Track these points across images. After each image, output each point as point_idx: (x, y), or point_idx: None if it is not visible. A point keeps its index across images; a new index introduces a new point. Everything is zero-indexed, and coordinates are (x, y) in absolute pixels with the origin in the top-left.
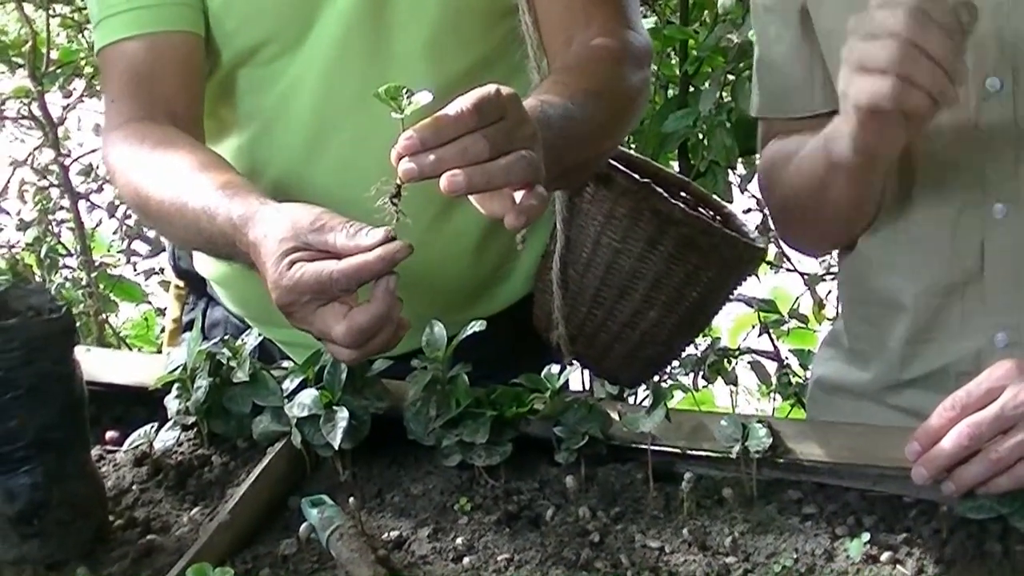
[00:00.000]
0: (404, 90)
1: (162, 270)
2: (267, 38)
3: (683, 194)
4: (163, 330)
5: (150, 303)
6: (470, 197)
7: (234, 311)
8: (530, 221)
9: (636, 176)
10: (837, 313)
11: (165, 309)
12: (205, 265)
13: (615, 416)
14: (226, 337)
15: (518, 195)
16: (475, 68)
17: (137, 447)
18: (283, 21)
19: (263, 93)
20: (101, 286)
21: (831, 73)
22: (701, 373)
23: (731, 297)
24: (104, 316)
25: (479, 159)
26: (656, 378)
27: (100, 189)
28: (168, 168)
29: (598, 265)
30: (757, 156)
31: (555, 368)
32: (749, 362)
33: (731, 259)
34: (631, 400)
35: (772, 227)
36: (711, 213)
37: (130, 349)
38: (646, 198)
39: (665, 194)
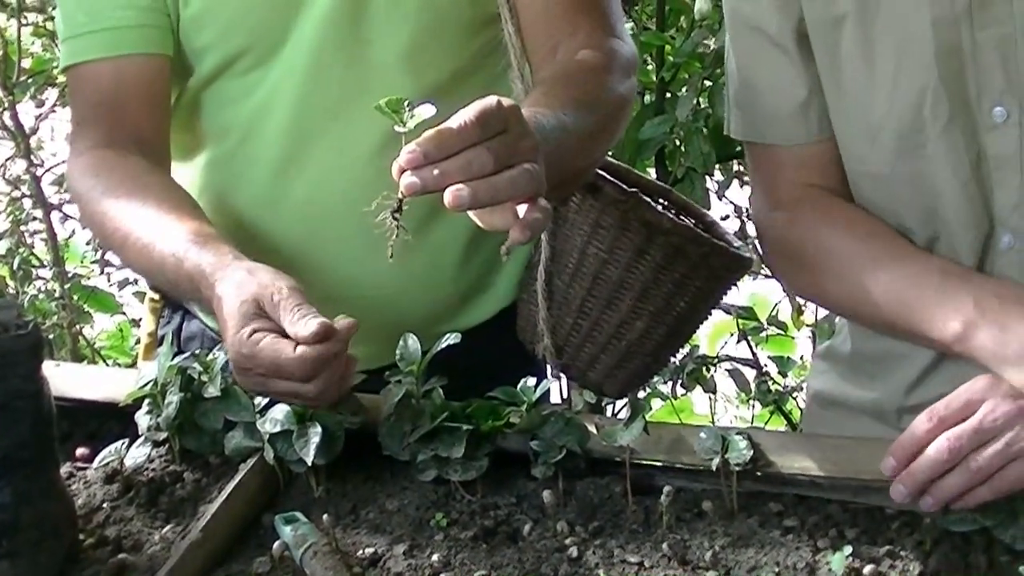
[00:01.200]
0: (406, 103)
1: (136, 280)
2: (244, 48)
3: (664, 202)
4: (138, 341)
5: (124, 314)
6: (470, 212)
7: (210, 324)
8: (535, 235)
9: (623, 185)
10: (817, 320)
11: (140, 320)
12: None
13: (593, 429)
14: (198, 352)
15: (520, 208)
16: (456, 77)
17: (108, 464)
18: (259, 31)
19: (239, 105)
20: (75, 297)
21: (828, 97)
22: (680, 381)
23: (717, 305)
24: (78, 328)
25: (483, 172)
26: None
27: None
28: (138, 205)
29: (584, 275)
30: (735, 163)
31: (531, 381)
32: (728, 370)
33: (719, 269)
34: (608, 411)
35: (755, 240)
36: (693, 222)
37: (104, 361)
38: (634, 208)
39: (652, 203)
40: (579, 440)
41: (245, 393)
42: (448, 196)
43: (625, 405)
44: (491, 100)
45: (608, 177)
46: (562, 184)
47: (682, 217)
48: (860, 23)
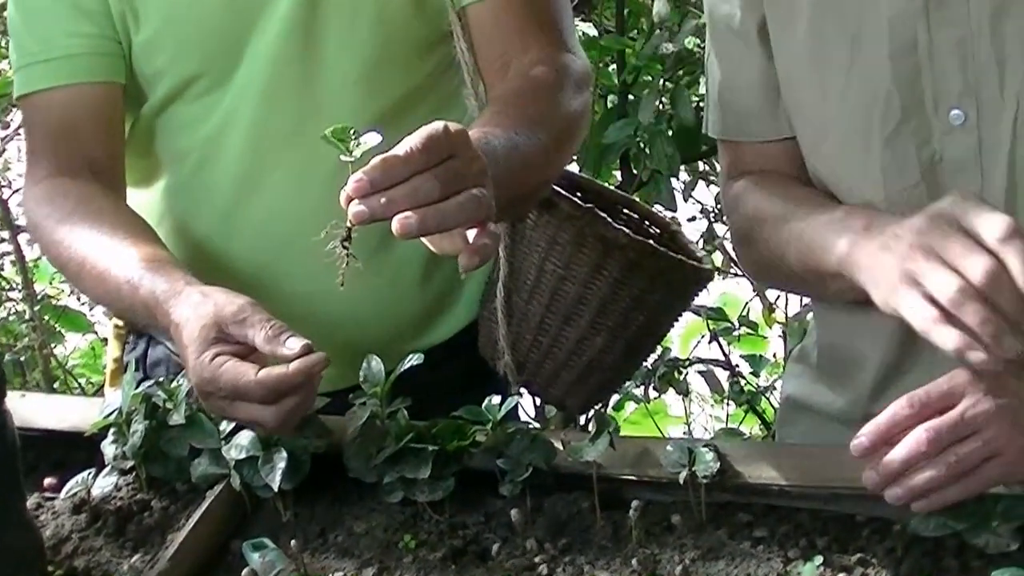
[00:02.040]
0: (352, 131)
1: None
2: (197, 73)
3: (628, 212)
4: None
5: (96, 332)
6: (422, 237)
7: (176, 350)
8: (484, 261)
9: (579, 201)
10: (788, 319)
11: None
12: None
13: (559, 445)
14: (161, 379)
15: (470, 233)
16: (411, 96)
17: (75, 494)
18: (212, 56)
19: (194, 130)
20: (46, 318)
21: (783, 94)
22: (652, 384)
23: (679, 317)
24: (49, 349)
25: (430, 199)
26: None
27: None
28: (91, 232)
29: (543, 292)
30: (700, 164)
31: (496, 399)
32: (700, 371)
33: (677, 282)
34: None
35: (723, 241)
36: (657, 231)
37: (76, 380)
38: (590, 223)
39: (608, 219)
40: (546, 457)
41: (210, 419)
42: (396, 224)
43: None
44: (438, 126)
45: (563, 193)
46: (516, 203)
47: (647, 225)
48: (814, 20)
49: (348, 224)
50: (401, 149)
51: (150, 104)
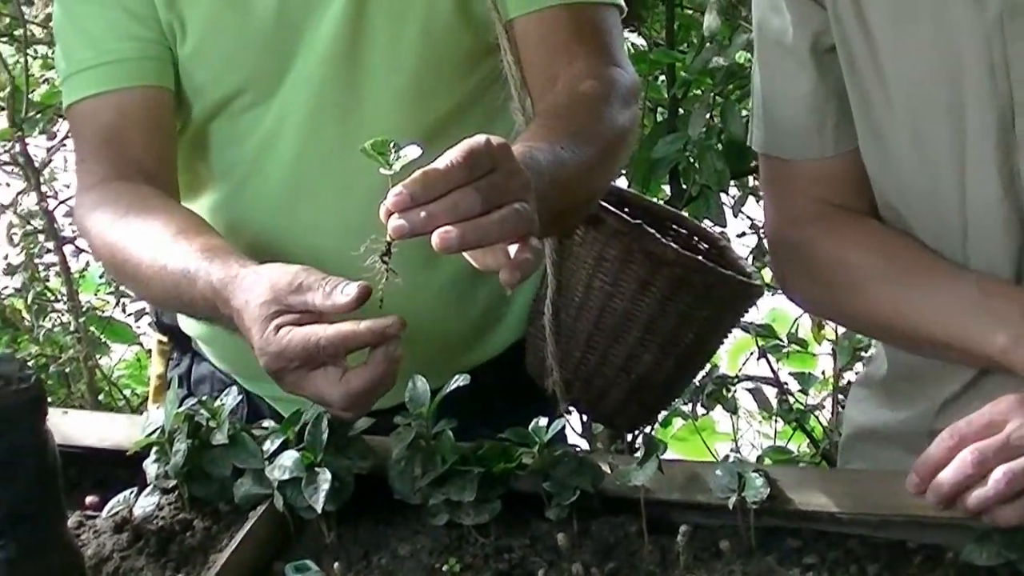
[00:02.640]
0: (392, 144)
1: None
2: (239, 88)
3: (677, 228)
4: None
5: (141, 344)
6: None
7: (220, 366)
8: (525, 276)
9: (627, 217)
10: (838, 336)
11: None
12: (189, 322)
13: (607, 469)
14: (204, 398)
15: (512, 248)
16: (457, 110)
17: (117, 513)
18: (256, 71)
19: (238, 145)
20: (91, 329)
21: (855, 112)
22: (700, 401)
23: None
24: (94, 361)
25: (471, 214)
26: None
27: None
28: (144, 229)
29: (590, 309)
30: (750, 179)
31: (543, 421)
32: (749, 389)
33: (726, 298)
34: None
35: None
36: (706, 247)
37: (121, 392)
38: (637, 239)
39: (656, 234)
40: (593, 480)
41: (253, 439)
42: (436, 239)
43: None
44: (479, 139)
45: (611, 209)
46: (561, 218)
47: (695, 241)
48: (888, 39)
49: (388, 239)
50: (442, 162)
51: (195, 117)
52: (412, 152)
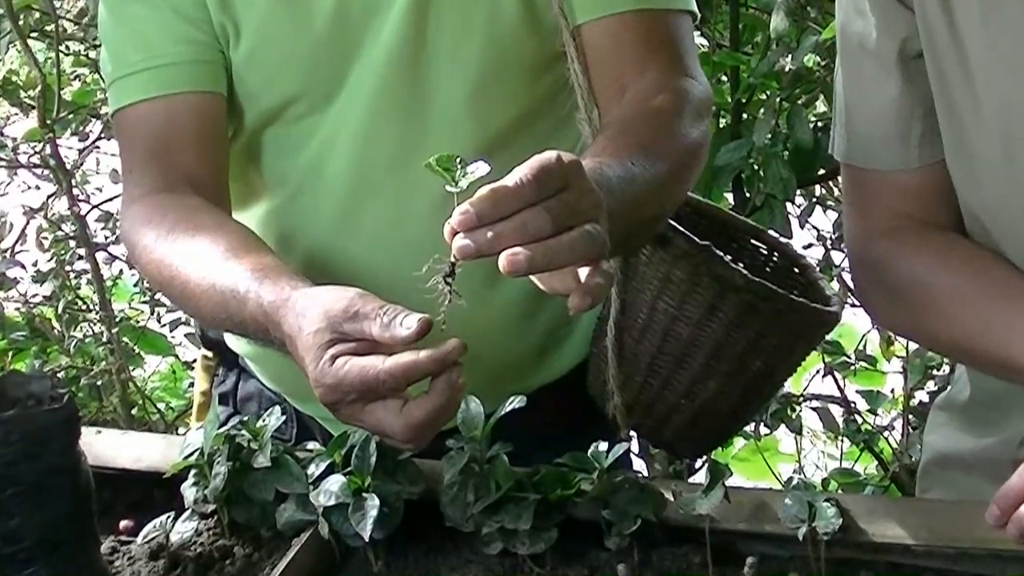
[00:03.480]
0: (458, 159)
1: (188, 320)
2: (295, 95)
3: (756, 243)
4: (191, 386)
5: (176, 356)
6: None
7: (268, 384)
8: (596, 302)
9: (695, 238)
10: (909, 353)
11: (192, 362)
12: (236, 339)
13: (669, 496)
14: (247, 418)
15: (582, 272)
16: (522, 120)
17: (153, 539)
18: (312, 77)
19: (293, 155)
20: (125, 339)
21: (942, 122)
22: (763, 420)
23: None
24: (127, 373)
25: (541, 235)
26: None
27: (120, 239)
28: (193, 245)
29: (654, 332)
30: (817, 188)
31: (603, 446)
32: (814, 408)
33: (798, 326)
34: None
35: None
36: (786, 264)
37: (155, 406)
38: (705, 262)
39: (726, 258)
40: (654, 508)
41: (298, 463)
42: (503, 261)
43: (707, 460)
44: (550, 156)
45: (679, 228)
46: (631, 238)
47: (775, 259)
48: (978, 45)
49: (452, 259)
50: (511, 180)
51: (247, 125)
52: (480, 169)
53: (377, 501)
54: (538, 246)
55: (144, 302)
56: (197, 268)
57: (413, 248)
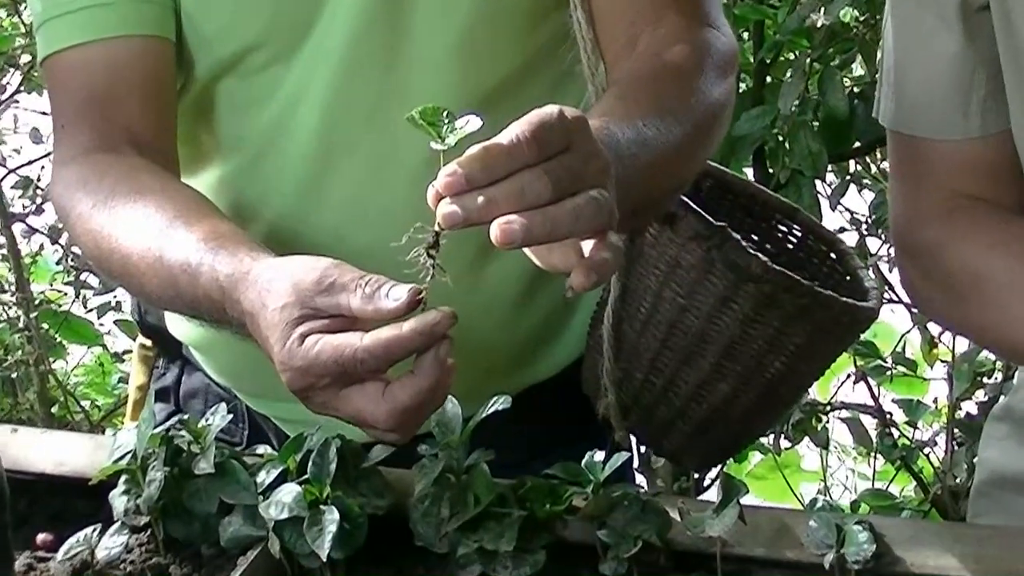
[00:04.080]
0: (445, 113)
1: (119, 304)
2: (254, 43)
3: (788, 223)
4: (121, 380)
5: (105, 346)
6: (525, 249)
7: (217, 378)
8: (602, 280)
9: (709, 217)
10: (955, 356)
11: (124, 354)
12: (179, 324)
13: (675, 515)
14: (187, 416)
15: (585, 245)
16: (516, 75)
17: (75, 556)
18: (274, 22)
19: (252, 112)
20: (45, 326)
21: (1009, 85)
22: (785, 432)
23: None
24: (47, 365)
25: (539, 201)
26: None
27: (40, 209)
28: (136, 212)
29: (658, 323)
30: (851, 164)
31: (600, 455)
32: (843, 418)
33: (826, 323)
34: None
35: (877, 260)
36: (824, 249)
37: (79, 403)
38: (719, 245)
39: (742, 241)
40: (658, 529)
41: (245, 469)
42: (496, 230)
43: (719, 475)
44: (551, 110)
45: (691, 205)
46: (641, 211)
47: (810, 241)
48: None
49: (436, 228)
50: (505, 137)
51: (198, 76)
52: (471, 124)
53: (337, 515)
54: (536, 214)
55: (68, 283)
56: (141, 239)
57: (390, 218)
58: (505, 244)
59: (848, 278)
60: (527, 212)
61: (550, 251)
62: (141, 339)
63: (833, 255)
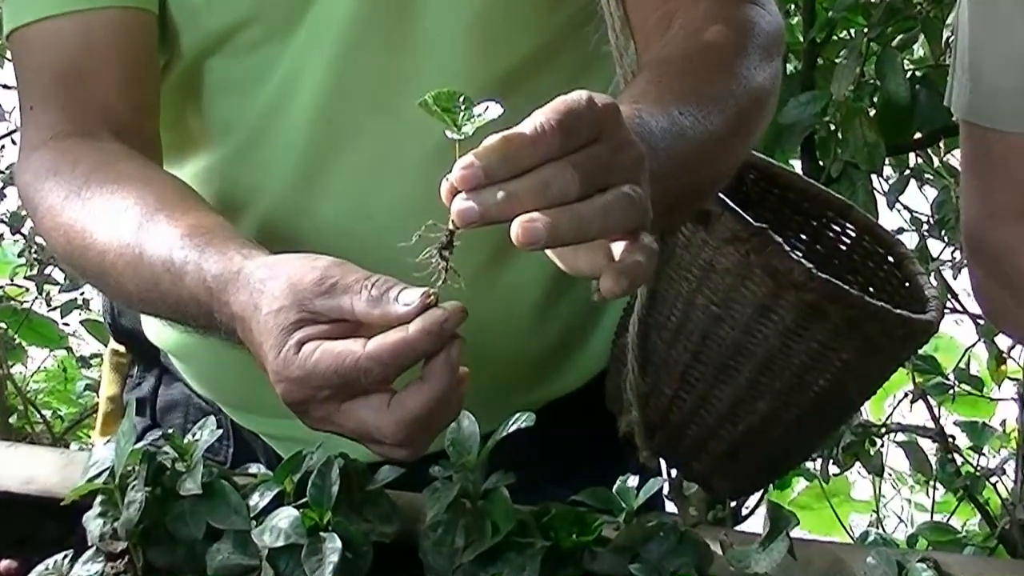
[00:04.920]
0: (462, 98)
1: (87, 302)
2: (246, 17)
3: (841, 222)
4: (88, 388)
5: (69, 349)
6: (549, 251)
7: (199, 390)
8: (634, 286)
9: (747, 217)
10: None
11: (92, 359)
12: (158, 329)
13: (716, 548)
14: (171, 431)
15: (616, 247)
16: (536, 58)
17: None
18: None
19: (243, 95)
20: (3, 325)
21: None
22: (834, 457)
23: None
24: (6, 369)
25: (566, 198)
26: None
27: (2, 195)
28: (113, 203)
29: (690, 333)
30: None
31: (633, 480)
32: (900, 442)
33: (878, 337)
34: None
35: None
36: (881, 252)
37: (40, 412)
38: (758, 249)
39: (785, 246)
40: (698, 563)
41: (237, 491)
42: (517, 229)
43: (759, 503)
44: (579, 96)
45: (728, 203)
46: (676, 208)
47: (865, 242)
48: None
49: (450, 226)
50: (528, 126)
51: (182, 56)
52: (492, 111)
53: (339, 543)
54: (562, 211)
55: (29, 277)
56: (118, 233)
57: (396, 213)
58: (527, 245)
59: (907, 285)
60: (552, 210)
61: (576, 253)
62: (113, 344)
63: (891, 258)
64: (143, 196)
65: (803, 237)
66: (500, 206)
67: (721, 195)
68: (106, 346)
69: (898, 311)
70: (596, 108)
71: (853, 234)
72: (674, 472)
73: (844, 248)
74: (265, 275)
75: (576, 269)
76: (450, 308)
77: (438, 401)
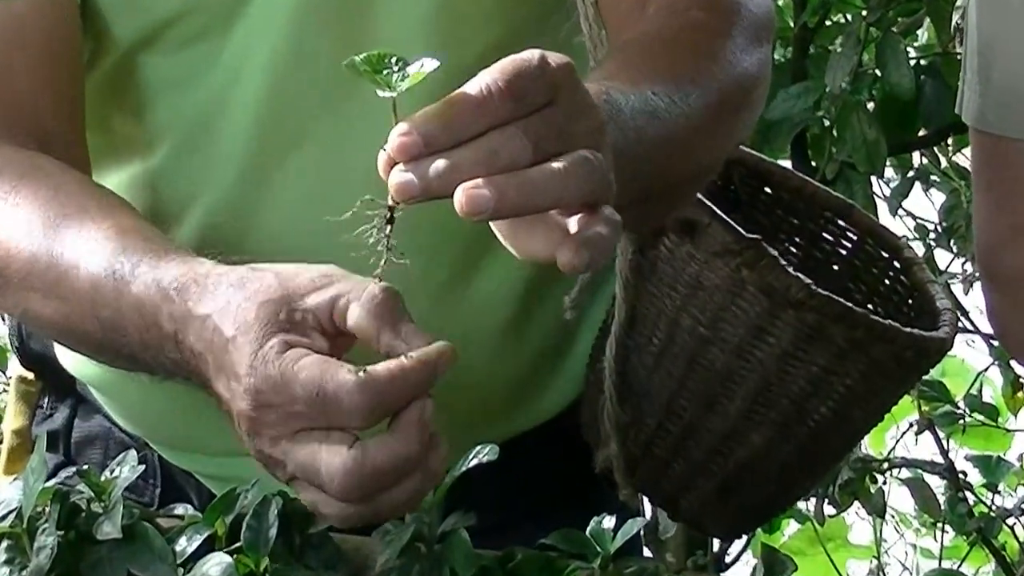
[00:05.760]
0: (394, 59)
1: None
2: (183, 7)
3: (842, 224)
4: None
5: None
6: (495, 226)
7: (121, 423)
8: (596, 261)
9: (738, 228)
10: None
11: None
12: (74, 356)
13: None
14: (86, 467)
15: (573, 223)
16: (501, 46)
17: None
18: None
19: (179, 94)
20: None
21: None
22: (829, 495)
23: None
24: None
25: (516, 165)
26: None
27: None
28: (41, 215)
29: (675, 357)
30: (937, 163)
31: (609, 521)
32: (903, 478)
33: (885, 359)
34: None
35: (948, 279)
36: (886, 257)
37: None
38: (750, 263)
39: (782, 256)
40: None
41: (161, 534)
42: (461, 197)
43: (746, 546)
44: (531, 56)
45: (716, 211)
46: (650, 202)
47: (869, 246)
48: None
49: (389, 201)
50: (474, 87)
51: (109, 48)
52: (427, 65)
53: None
54: (511, 176)
55: None
56: (47, 243)
57: (344, 222)
58: (472, 214)
59: (915, 294)
60: (501, 176)
61: (529, 230)
62: (20, 370)
63: (897, 263)
64: (83, 207)
65: (798, 241)
66: (442, 178)
67: (708, 203)
68: (4, 373)
69: (908, 330)
70: (549, 68)
71: (854, 237)
72: (659, 512)
73: (844, 253)
74: (246, 274)
75: (530, 252)
76: (439, 349)
77: (404, 460)
